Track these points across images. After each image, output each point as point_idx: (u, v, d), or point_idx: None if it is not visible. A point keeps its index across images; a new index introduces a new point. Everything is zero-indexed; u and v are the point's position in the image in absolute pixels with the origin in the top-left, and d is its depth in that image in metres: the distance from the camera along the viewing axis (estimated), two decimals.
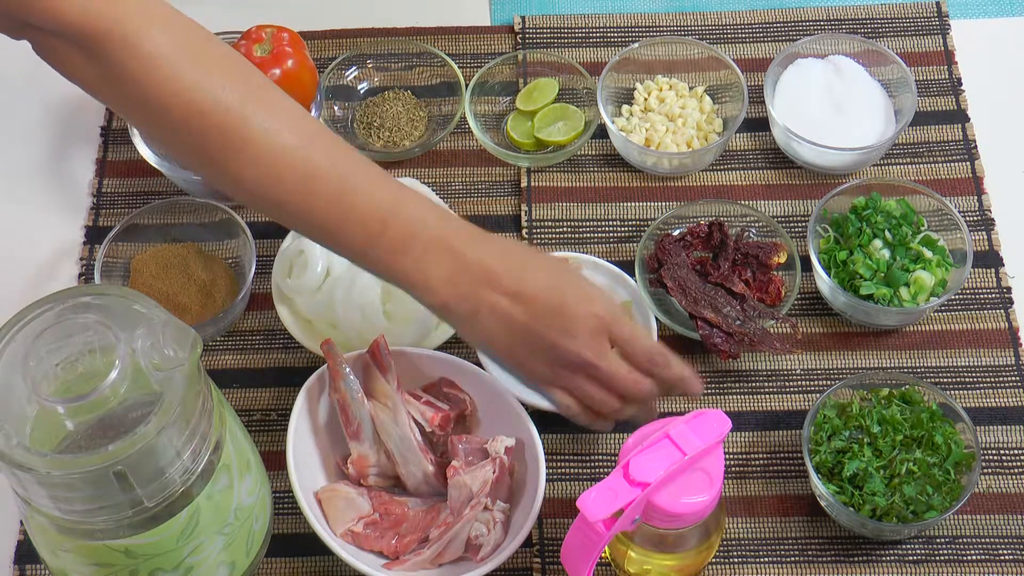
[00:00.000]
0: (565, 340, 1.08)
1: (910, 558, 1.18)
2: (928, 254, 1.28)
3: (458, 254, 1.07)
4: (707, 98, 1.44)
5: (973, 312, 1.31)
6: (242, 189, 1.05)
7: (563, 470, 1.24)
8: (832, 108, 1.40)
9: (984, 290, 1.32)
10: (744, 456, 1.24)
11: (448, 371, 1.21)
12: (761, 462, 1.23)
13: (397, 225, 1.06)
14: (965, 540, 1.19)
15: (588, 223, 1.38)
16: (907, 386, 1.20)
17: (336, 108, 1.45)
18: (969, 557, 1.18)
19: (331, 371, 1.18)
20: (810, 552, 1.19)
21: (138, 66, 1.00)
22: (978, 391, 1.26)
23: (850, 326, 1.30)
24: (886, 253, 1.28)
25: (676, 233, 1.32)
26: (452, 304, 1.07)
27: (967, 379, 1.27)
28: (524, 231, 1.37)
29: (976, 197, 1.38)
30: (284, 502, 1.21)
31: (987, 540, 1.19)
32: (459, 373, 1.21)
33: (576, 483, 1.23)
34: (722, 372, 1.28)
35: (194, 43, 1.03)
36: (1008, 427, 1.24)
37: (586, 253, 1.33)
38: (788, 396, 1.27)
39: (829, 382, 1.27)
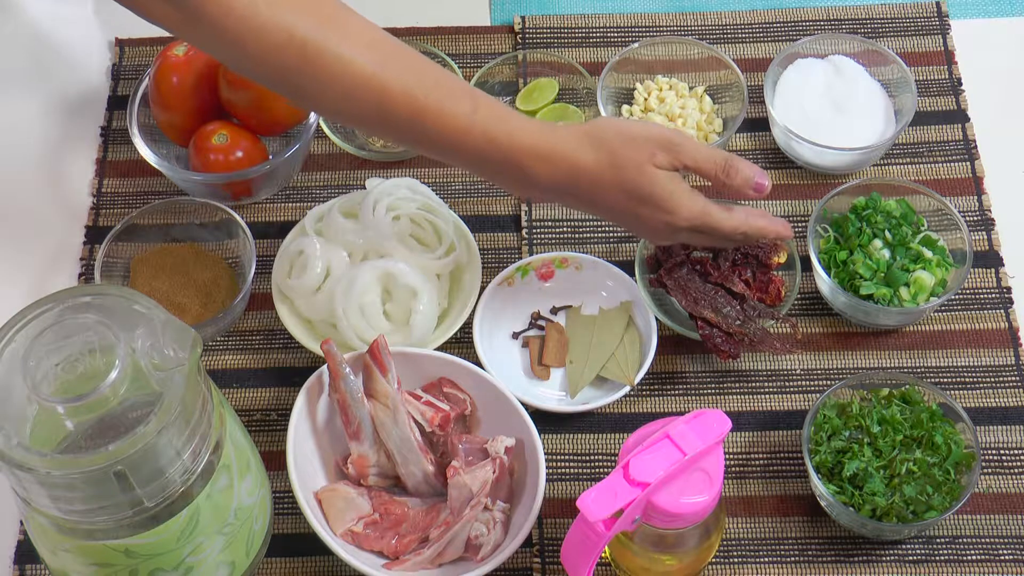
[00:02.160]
0: (669, 218, 1.16)
1: (910, 558, 1.18)
2: (928, 254, 1.28)
3: (526, 175, 1.14)
4: (707, 98, 1.44)
5: (973, 312, 1.31)
6: (323, 111, 1.19)
7: (563, 470, 1.24)
8: (832, 108, 1.40)
9: (984, 290, 1.32)
10: (744, 456, 1.24)
11: (448, 371, 1.21)
12: (761, 462, 1.23)
13: (468, 147, 1.12)
14: (965, 540, 1.19)
15: (588, 223, 1.37)
16: (907, 386, 1.20)
17: None
18: (969, 557, 1.18)
19: (331, 371, 1.18)
20: (810, 552, 1.19)
21: (214, 9, 1.05)
22: (978, 391, 1.26)
23: (850, 326, 1.30)
24: (886, 253, 1.28)
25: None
26: (544, 199, 1.20)
27: (967, 379, 1.27)
28: (524, 231, 1.37)
29: (976, 197, 1.38)
30: (284, 502, 1.21)
31: (987, 540, 1.19)
32: (459, 373, 1.21)
33: (576, 483, 1.23)
34: (722, 372, 1.28)
35: None
36: (1008, 427, 1.24)
37: (586, 253, 1.33)
38: (788, 396, 1.27)
39: (829, 382, 1.27)
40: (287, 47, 1.07)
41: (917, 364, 1.28)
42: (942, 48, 1.48)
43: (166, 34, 1.47)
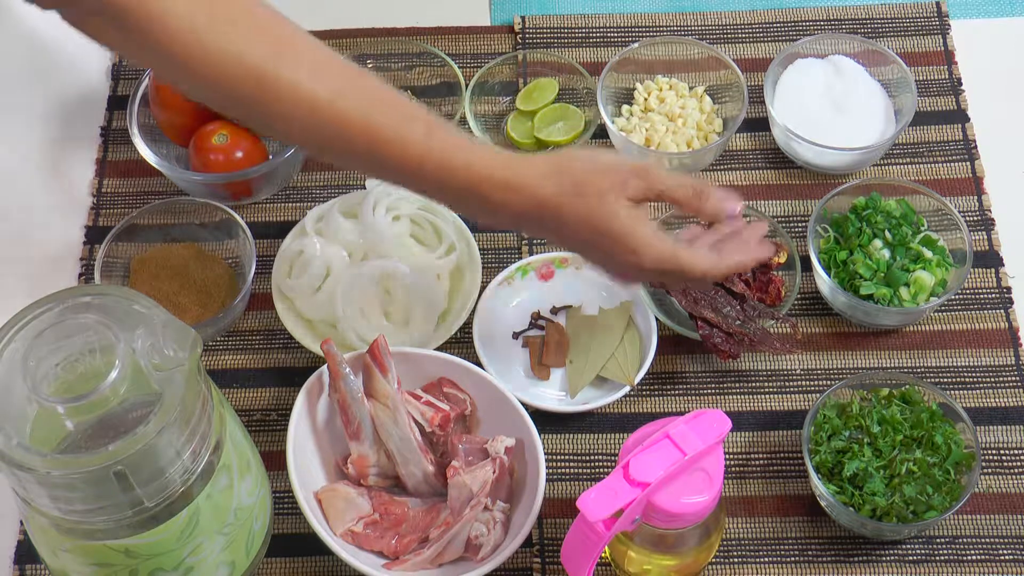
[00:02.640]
0: (633, 259, 1.08)
1: (910, 558, 1.18)
2: (928, 254, 1.28)
3: (490, 203, 1.07)
4: (707, 98, 1.44)
5: (973, 312, 1.31)
6: (280, 139, 1.15)
7: (563, 470, 1.24)
8: (832, 108, 1.40)
9: (984, 290, 1.32)
10: (744, 456, 1.24)
11: (448, 371, 1.21)
12: (761, 462, 1.23)
13: (430, 170, 1.06)
14: (965, 540, 1.19)
15: None
16: (907, 386, 1.20)
17: None
18: (969, 557, 1.18)
19: (331, 371, 1.18)
20: (810, 552, 1.19)
21: (163, 37, 1.01)
22: (978, 391, 1.26)
23: (850, 326, 1.30)
24: (886, 253, 1.28)
25: (676, 233, 1.32)
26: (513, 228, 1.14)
27: (967, 379, 1.27)
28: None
29: (976, 197, 1.38)
30: (284, 502, 1.21)
31: (987, 540, 1.19)
32: (459, 373, 1.21)
33: (576, 483, 1.23)
34: (722, 372, 1.28)
35: (216, 4, 1.03)
36: (1008, 427, 1.24)
37: None
38: (788, 396, 1.27)
39: (829, 382, 1.27)
40: (238, 76, 1.02)
41: (917, 364, 1.28)
42: (942, 48, 1.48)
43: None
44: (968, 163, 1.40)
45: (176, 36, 1.01)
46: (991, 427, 1.24)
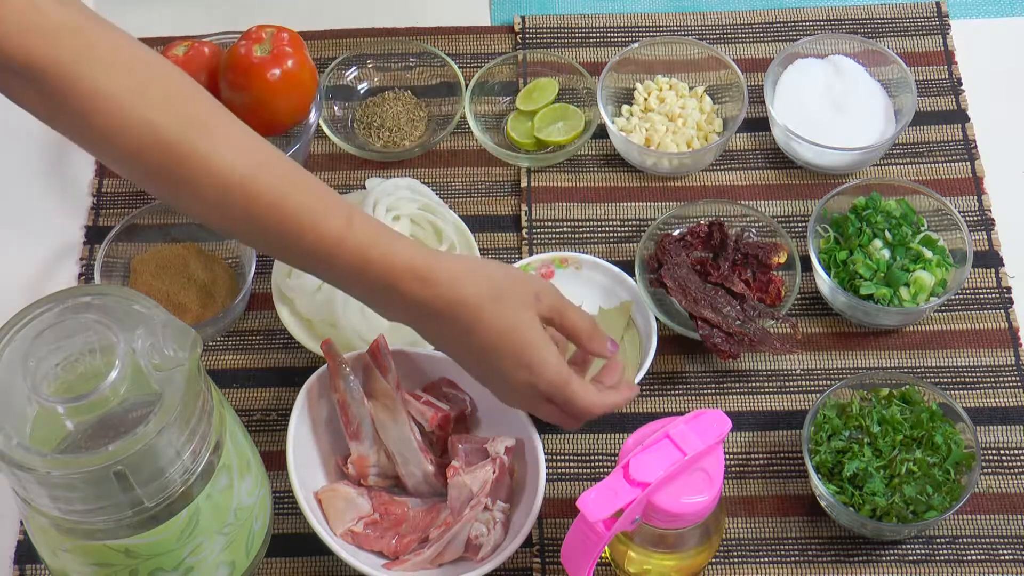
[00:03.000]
0: (522, 384, 1.08)
1: (910, 558, 1.18)
2: (928, 254, 1.28)
3: (401, 294, 1.05)
4: (707, 98, 1.44)
5: (973, 312, 1.31)
6: (193, 215, 1.05)
7: (563, 470, 1.24)
8: (832, 108, 1.40)
9: (984, 290, 1.32)
10: (744, 456, 1.24)
11: (448, 371, 1.21)
12: (761, 462, 1.23)
13: (345, 256, 1.04)
14: (965, 540, 1.19)
15: (588, 223, 1.38)
16: (907, 386, 1.20)
17: (336, 108, 1.45)
18: (969, 557, 1.18)
19: (331, 371, 1.18)
20: (810, 552, 1.19)
21: (79, 104, 0.99)
22: (978, 391, 1.26)
23: (850, 326, 1.30)
24: (886, 253, 1.28)
25: (676, 233, 1.32)
26: (414, 324, 1.08)
27: (967, 379, 1.27)
28: (524, 231, 1.37)
29: (976, 197, 1.38)
30: (284, 502, 1.21)
31: (987, 540, 1.19)
32: (459, 373, 1.21)
33: (576, 483, 1.23)
34: (722, 372, 1.28)
35: (134, 74, 1.01)
36: (1008, 427, 1.24)
37: (586, 253, 1.33)
38: (788, 396, 1.27)
39: (829, 382, 1.27)
40: (152, 148, 1.00)
41: (917, 364, 1.28)
42: (942, 48, 1.48)
43: (166, 34, 1.48)
44: (968, 163, 1.40)
45: (94, 103, 0.99)
46: (991, 427, 1.24)
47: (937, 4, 1.51)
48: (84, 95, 0.98)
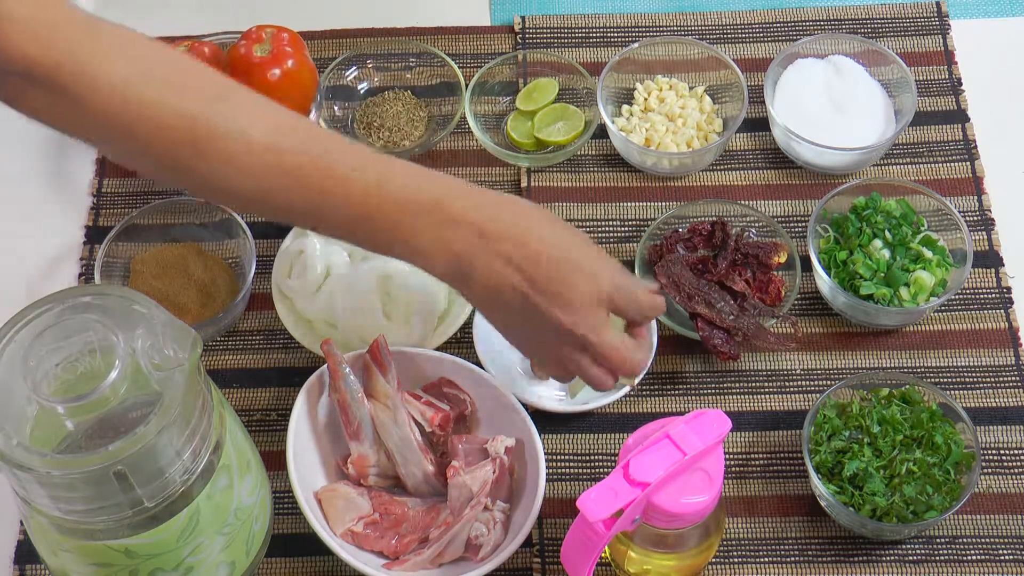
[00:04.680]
0: (562, 313, 1.05)
1: (910, 558, 1.18)
2: (928, 254, 1.28)
3: (450, 217, 1.04)
4: (707, 98, 1.44)
5: (973, 312, 1.31)
6: (220, 190, 1.04)
7: (563, 470, 1.24)
8: (832, 108, 1.40)
9: (984, 290, 1.32)
10: (744, 456, 1.24)
11: (448, 371, 1.21)
12: (761, 462, 1.23)
13: (383, 204, 1.03)
14: (965, 540, 1.19)
15: (588, 223, 1.38)
16: (907, 386, 1.20)
17: (336, 108, 1.45)
18: (969, 557, 1.18)
19: (331, 371, 1.18)
20: (810, 552, 1.19)
21: (96, 97, 0.98)
22: (978, 391, 1.26)
23: (850, 326, 1.30)
24: (886, 253, 1.28)
25: (680, 231, 1.32)
26: (447, 266, 1.04)
27: (967, 379, 1.27)
28: None
29: (976, 197, 1.38)
30: (284, 502, 1.21)
31: (987, 540, 1.19)
32: (459, 373, 1.21)
33: (576, 483, 1.23)
34: (722, 372, 1.28)
35: (148, 60, 1.01)
36: (1008, 427, 1.24)
37: None
38: (788, 396, 1.27)
39: (829, 382, 1.27)
40: (176, 125, 0.99)
41: (917, 364, 1.28)
42: (942, 48, 1.48)
43: (166, 34, 1.48)
44: (968, 163, 1.40)
45: (110, 94, 0.98)
46: (991, 427, 1.24)
47: (937, 4, 1.51)
48: (100, 87, 0.98)
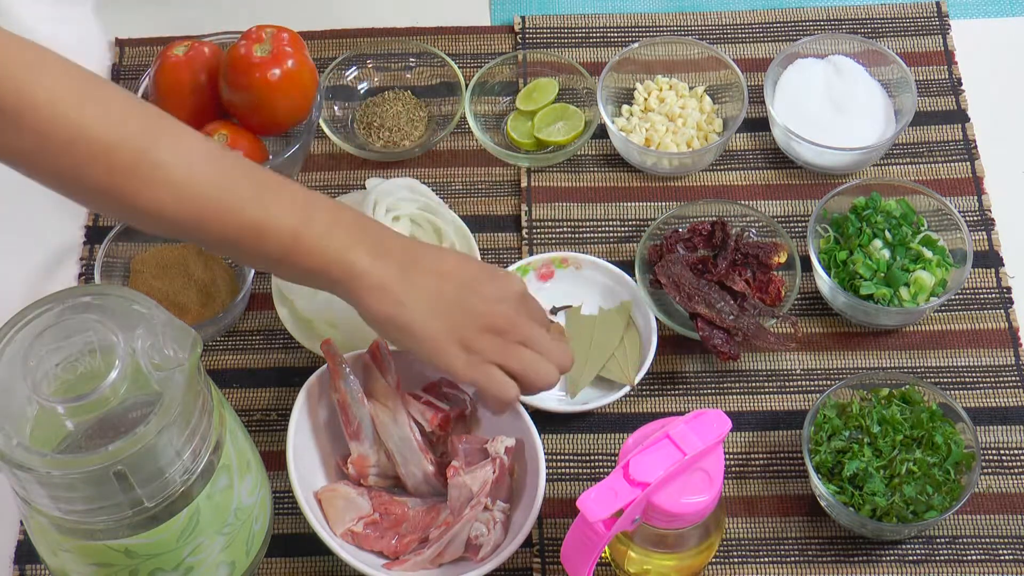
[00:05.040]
0: (496, 305, 1.09)
1: (910, 558, 1.18)
2: (928, 254, 1.28)
3: (377, 247, 1.08)
4: (707, 98, 1.44)
5: (973, 312, 1.31)
6: (155, 216, 1.03)
7: (563, 470, 1.24)
8: (832, 108, 1.40)
9: (984, 290, 1.32)
10: (744, 456, 1.24)
11: None
12: (761, 462, 1.23)
13: (309, 237, 1.06)
14: (965, 540, 1.19)
15: (588, 223, 1.38)
16: (907, 386, 1.20)
17: (336, 108, 1.45)
18: (969, 557, 1.18)
19: (331, 371, 1.18)
20: (810, 552, 1.19)
21: (35, 115, 0.98)
22: (978, 391, 1.26)
23: (850, 326, 1.30)
24: (886, 253, 1.28)
25: (680, 231, 1.32)
26: (382, 288, 1.07)
27: (967, 379, 1.27)
28: (524, 231, 1.37)
29: (976, 197, 1.38)
30: (284, 502, 1.21)
31: (987, 540, 1.19)
32: None
33: (576, 483, 1.23)
34: (722, 372, 1.28)
35: (87, 85, 1.01)
36: (1008, 427, 1.24)
37: (586, 253, 1.33)
38: (788, 396, 1.27)
39: (829, 382, 1.27)
40: (118, 147, 0.99)
41: (917, 364, 1.28)
42: (942, 48, 1.48)
43: (166, 34, 1.48)
44: (968, 163, 1.40)
45: (51, 113, 0.98)
46: (991, 427, 1.24)
47: (937, 4, 1.51)
48: (41, 105, 0.97)
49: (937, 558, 1.18)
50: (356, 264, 1.06)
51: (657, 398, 1.27)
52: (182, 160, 1.02)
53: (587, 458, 1.24)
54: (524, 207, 1.39)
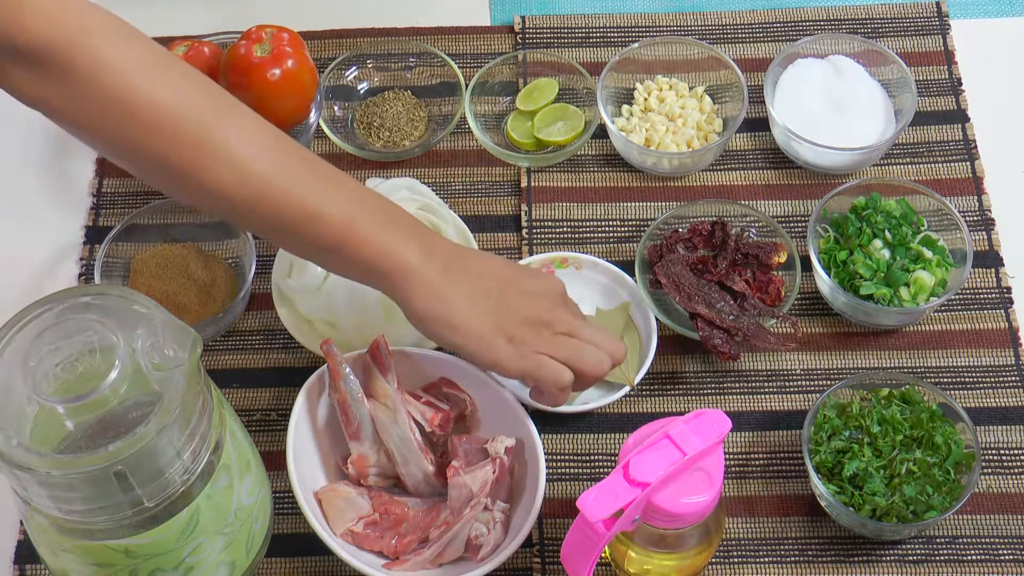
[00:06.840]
0: (538, 298, 1.13)
1: (910, 558, 1.18)
2: (928, 254, 1.28)
3: (426, 246, 1.10)
4: (707, 98, 1.44)
5: (973, 312, 1.31)
6: (212, 193, 1.04)
7: (563, 470, 1.24)
8: (832, 108, 1.40)
9: (984, 290, 1.32)
10: (744, 456, 1.24)
11: (448, 371, 1.21)
12: (761, 462, 1.23)
13: (357, 233, 1.08)
14: (965, 540, 1.19)
15: (588, 223, 1.38)
16: (907, 386, 1.20)
17: (336, 108, 1.45)
18: (969, 557, 1.18)
19: (331, 371, 1.18)
20: (810, 552, 1.19)
21: (108, 78, 0.99)
22: (978, 391, 1.26)
23: (850, 326, 1.30)
24: (886, 253, 1.28)
25: (680, 231, 1.32)
26: (428, 285, 1.09)
27: (967, 379, 1.27)
28: (524, 231, 1.37)
29: (976, 197, 1.38)
30: (284, 502, 1.21)
31: (987, 540, 1.19)
32: (459, 373, 1.21)
33: (576, 483, 1.23)
34: (722, 372, 1.28)
35: (156, 54, 1.03)
36: (1008, 427, 1.24)
37: (586, 253, 1.33)
38: (788, 396, 1.27)
39: (829, 382, 1.27)
40: (185, 118, 1.02)
41: (917, 364, 1.28)
42: (942, 48, 1.48)
43: (166, 34, 1.48)
44: (968, 163, 1.40)
45: (121, 76, 1.00)
46: (991, 427, 1.24)
47: (937, 4, 1.51)
48: (114, 67, 0.99)
49: (937, 558, 1.18)
50: (408, 260, 1.08)
51: (657, 398, 1.27)
52: (246, 140, 1.04)
53: (587, 458, 1.24)
54: (524, 207, 1.39)
